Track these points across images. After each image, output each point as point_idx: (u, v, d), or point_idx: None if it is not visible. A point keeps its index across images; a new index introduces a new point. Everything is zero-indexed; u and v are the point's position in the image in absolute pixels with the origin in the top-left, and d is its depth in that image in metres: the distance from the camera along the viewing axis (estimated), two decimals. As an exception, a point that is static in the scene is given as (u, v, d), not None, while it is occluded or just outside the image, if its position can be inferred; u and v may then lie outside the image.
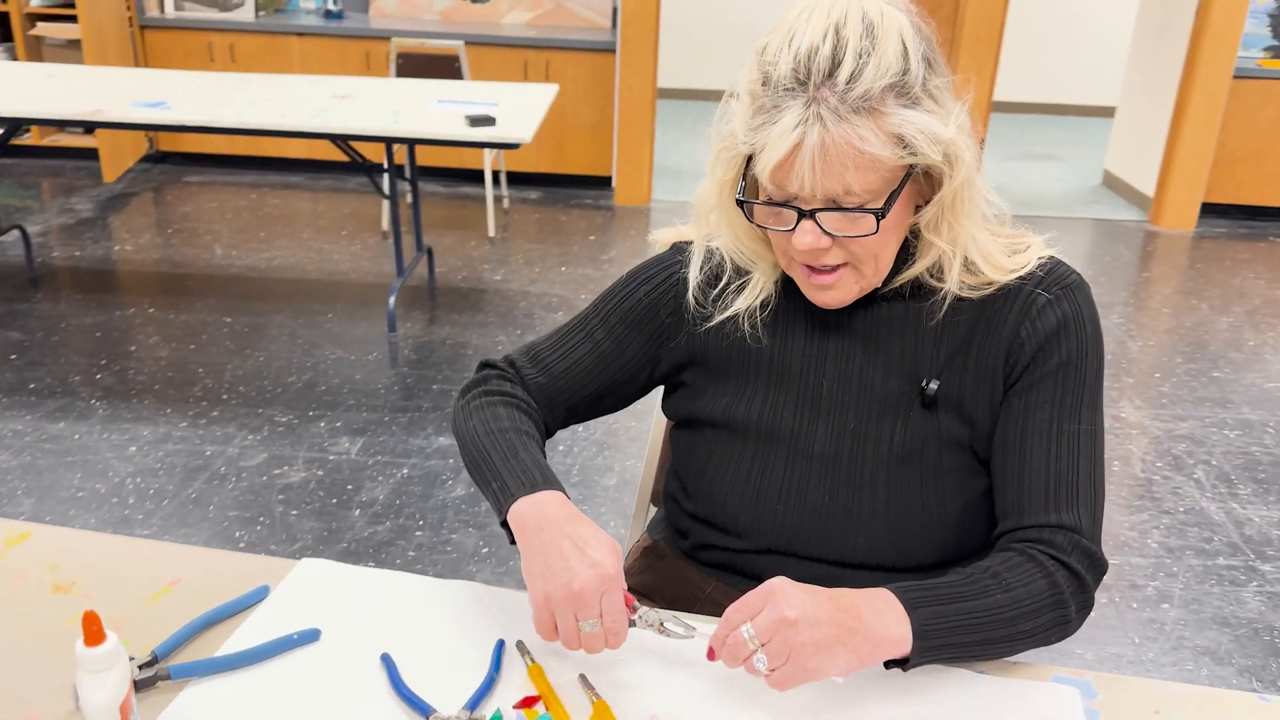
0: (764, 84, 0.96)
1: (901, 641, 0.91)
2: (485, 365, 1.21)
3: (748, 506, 1.11)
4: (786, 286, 1.12)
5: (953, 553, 1.09)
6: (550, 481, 1.02)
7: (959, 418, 1.06)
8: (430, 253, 4.19)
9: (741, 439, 1.12)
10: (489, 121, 3.22)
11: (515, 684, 0.96)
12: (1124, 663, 2.16)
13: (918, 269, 1.05)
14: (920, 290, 1.07)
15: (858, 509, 1.07)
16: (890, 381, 1.08)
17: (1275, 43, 5.36)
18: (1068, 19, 7.81)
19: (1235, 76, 5.04)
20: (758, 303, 1.11)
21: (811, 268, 1.02)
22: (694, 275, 1.14)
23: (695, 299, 1.14)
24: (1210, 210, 5.37)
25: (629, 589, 0.98)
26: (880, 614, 0.91)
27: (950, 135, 0.95)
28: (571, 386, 1.18)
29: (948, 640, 0.93)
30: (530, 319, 3.78)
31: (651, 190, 5.31)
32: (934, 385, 1.05)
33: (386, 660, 0.97)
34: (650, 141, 5.17)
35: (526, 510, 0.99)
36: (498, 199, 4.88)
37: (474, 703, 0.92)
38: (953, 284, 1.04)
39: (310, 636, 1.00)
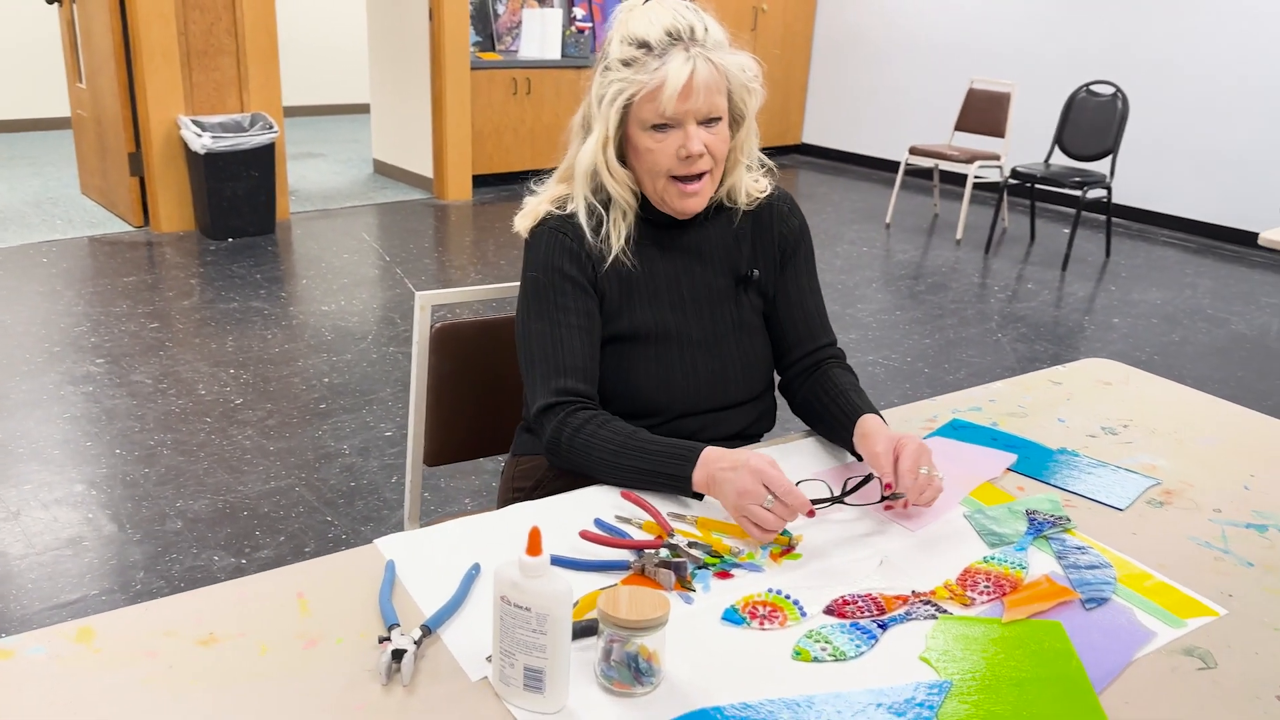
0: (643, 48, 1.38)
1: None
2: (546, 409, 1.42)
3: (662, 389, 1.51)
4: (638, 225, 1.52)
5: (769, 380, 1.64)
6: (692, 448, 1.32)
7: (761, 295, 1.60)
8: None
9: (643, 344, 1.51)
10: None
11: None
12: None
13: (727, 185, 1.54)
14: (720, 213, 1.57)
15: (724, 368, 1.55)
16: (720, 279, 1.56)
17: (480, 38, 6.59)
18: (306, 25, 8.27)
19: (472, 69, 6.14)
20: (624, 241, 1.50)
21: (684, 180, 1.44)
22: (586, 222, 1.48)
23: (590, 240, 1.48)
24: (477, 181, 6.47)
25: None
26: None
27: (756, 72, 1.47)
28: (595, 366, 1.47)
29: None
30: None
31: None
32: (756, 272, 1.57)
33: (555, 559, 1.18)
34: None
35: (699, 479, 1.30)
36: None
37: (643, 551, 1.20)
38: (743, 202, 1.57)
39: (476, 569, 1.15)
